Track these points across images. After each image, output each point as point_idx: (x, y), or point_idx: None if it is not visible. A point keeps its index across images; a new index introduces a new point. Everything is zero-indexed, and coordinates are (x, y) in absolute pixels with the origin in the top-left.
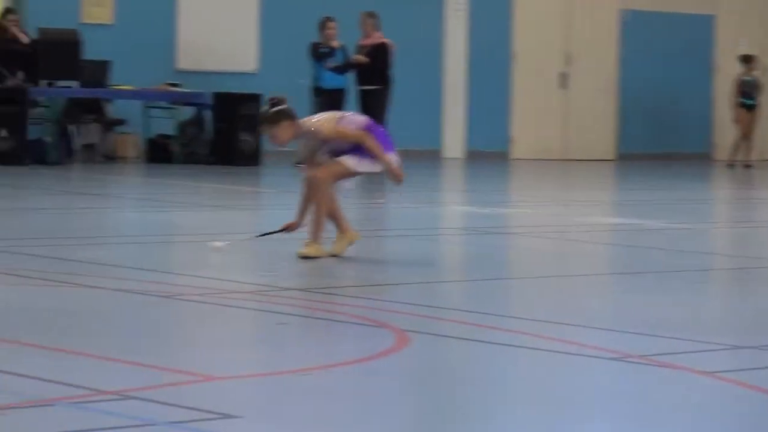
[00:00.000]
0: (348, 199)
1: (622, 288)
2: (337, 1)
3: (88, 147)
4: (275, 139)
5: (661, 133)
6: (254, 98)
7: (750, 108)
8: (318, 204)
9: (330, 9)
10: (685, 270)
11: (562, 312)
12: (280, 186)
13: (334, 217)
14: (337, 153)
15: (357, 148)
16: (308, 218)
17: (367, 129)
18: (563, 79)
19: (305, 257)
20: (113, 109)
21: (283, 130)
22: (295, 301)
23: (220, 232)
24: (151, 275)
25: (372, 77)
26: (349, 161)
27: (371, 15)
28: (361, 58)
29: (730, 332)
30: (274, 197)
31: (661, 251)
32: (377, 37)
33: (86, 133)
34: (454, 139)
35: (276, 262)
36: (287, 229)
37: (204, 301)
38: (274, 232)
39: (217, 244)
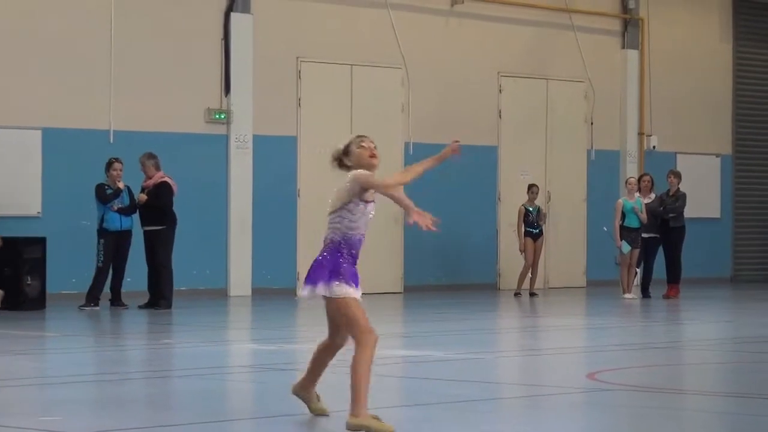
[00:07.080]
0: (135, 339)
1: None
2: (121, 143)
3: None
4: None
5: (448, 263)
6: (39, 241)
7: (535, 237)
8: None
9: (113, 150)
10: (472, 400)
11: None
12: (65, 330)
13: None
14: None
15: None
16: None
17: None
18: None
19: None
20: None
21: None
22: None
23: (2, 378)
24: None
25: (155, 217)
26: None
27: (151, 156)
28: (143, 197)
29: None
30: (58, 341)
31: (447, 382)
32: (159, 177)
33: None
34: (240, 277)
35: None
36: None
37: None
38: None
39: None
